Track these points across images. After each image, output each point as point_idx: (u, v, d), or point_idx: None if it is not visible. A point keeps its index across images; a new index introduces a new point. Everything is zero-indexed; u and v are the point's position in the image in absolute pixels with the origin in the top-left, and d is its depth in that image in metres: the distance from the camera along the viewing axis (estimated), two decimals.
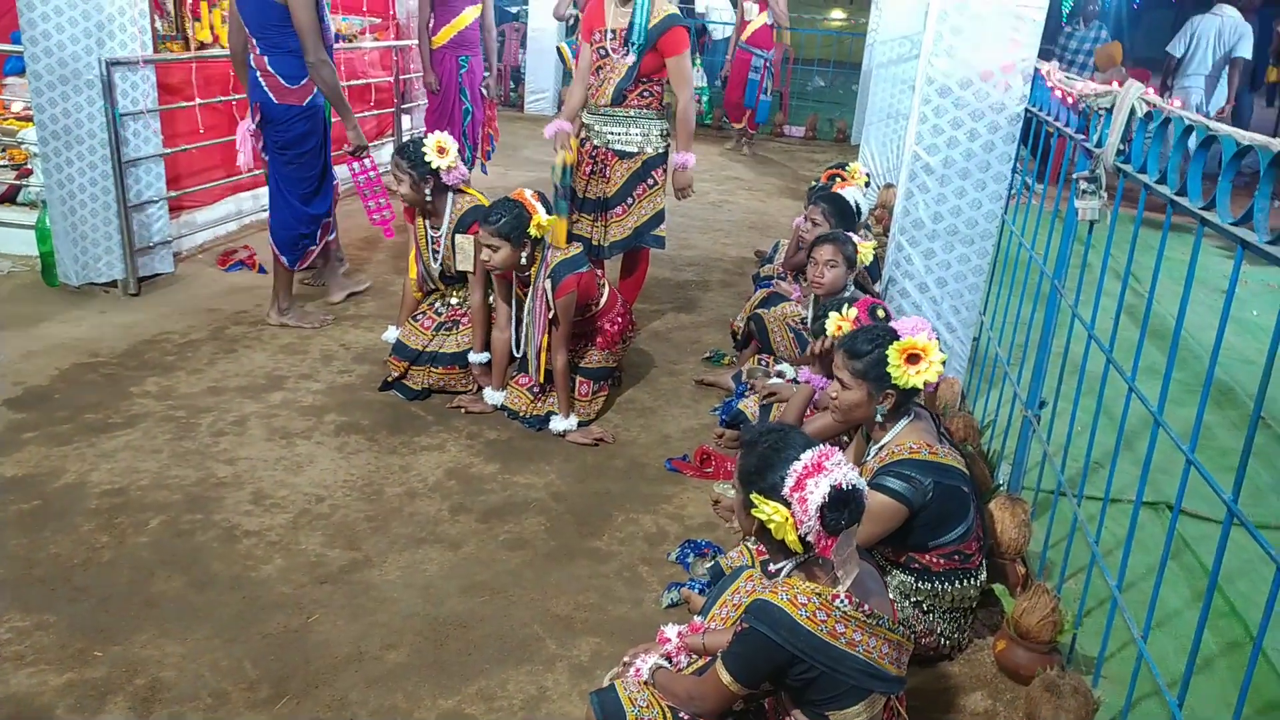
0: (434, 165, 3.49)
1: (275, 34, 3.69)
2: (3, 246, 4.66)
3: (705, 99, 10.06)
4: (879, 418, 2.30)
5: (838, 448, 1.77)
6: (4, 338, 3.84)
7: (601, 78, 3.91)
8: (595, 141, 3.99)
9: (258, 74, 3.77)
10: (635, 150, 3.96)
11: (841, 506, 1.64)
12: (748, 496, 1.73)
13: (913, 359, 2.20)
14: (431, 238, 3.66)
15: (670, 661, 1.94)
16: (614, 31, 3.83)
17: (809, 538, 1.65)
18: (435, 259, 3.68)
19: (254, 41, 3.73)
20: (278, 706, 2.09)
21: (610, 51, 3.86)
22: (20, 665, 2.15)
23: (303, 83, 3.79)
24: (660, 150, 4.01)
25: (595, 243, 4.08)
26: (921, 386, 2.23)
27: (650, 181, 4.02)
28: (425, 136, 3.55)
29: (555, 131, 3.94)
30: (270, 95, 3.78)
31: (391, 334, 3.77)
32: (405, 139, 5.25)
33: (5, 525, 2.65)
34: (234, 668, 2.19)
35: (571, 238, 4.04)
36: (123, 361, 3.73)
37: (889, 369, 2.22)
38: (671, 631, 1.99)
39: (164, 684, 2.13)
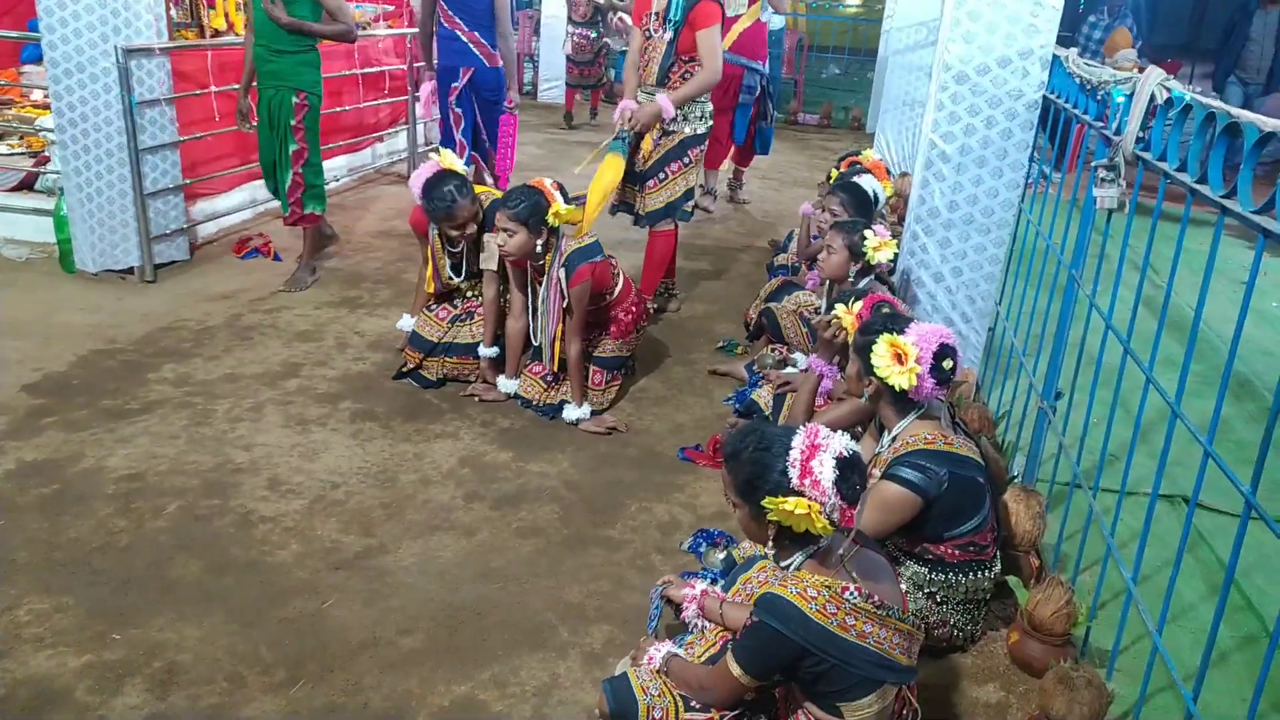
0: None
1: (486, 18, 4.92)
2: (21, 233, 4.70)
3: None
4: (867, 399, 2.33)
5: (854, 438, 1.77)
6: (23, 324, 3.87)
7: (647, 58, 4.08)
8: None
9: (470, 45, 4.93)
10: (675, 129, 4.08)
11: (851, 473, 1.65)
12: (756, 505, 1.71)
13: (899, 357, 2.21)
14: (450, 252, 3.63)
15: (683, 609, 1.96)
16: (656, 14, 4.00)
17: (834, 515, 1.65)
18: (458, 273, 3.65)
19: (460, 22, 4.88)
20: (293, 690, 2.11)
21: (653, 32, 4.04)
22: (40, 647, 2.18)
23: (497, 51, 5.01)
24: (699, 131, 4.13)
25: (638, 210, 4.27)
26: (895, 386, 2.22)
27: (686, 160, 4.14)
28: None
29: (622, 110, 4.07)
30: (484, 61, 4.98)
31: (406, 323, 3.75)
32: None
33: (25, 509, 2.68)
34: (250, 651, 2.22)
35: (624, 208, 4.34)
36: (140, 348, 3.75)
37: (872, 356, 2.24)
38: (700, 585, 2.04)
39: (181, 667, 2.15)
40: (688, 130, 4.09)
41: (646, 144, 4.12)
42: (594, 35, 8.79)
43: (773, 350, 3.65)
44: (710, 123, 4.18)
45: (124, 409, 3.27)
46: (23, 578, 2.40)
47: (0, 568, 2.43)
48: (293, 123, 4.31)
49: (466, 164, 5.07)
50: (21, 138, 5.36)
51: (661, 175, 4.14)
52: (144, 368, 3.58)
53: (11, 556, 2.48)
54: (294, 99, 4.29)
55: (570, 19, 8.81)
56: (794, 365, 3.35)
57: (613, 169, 3.95)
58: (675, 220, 4.26)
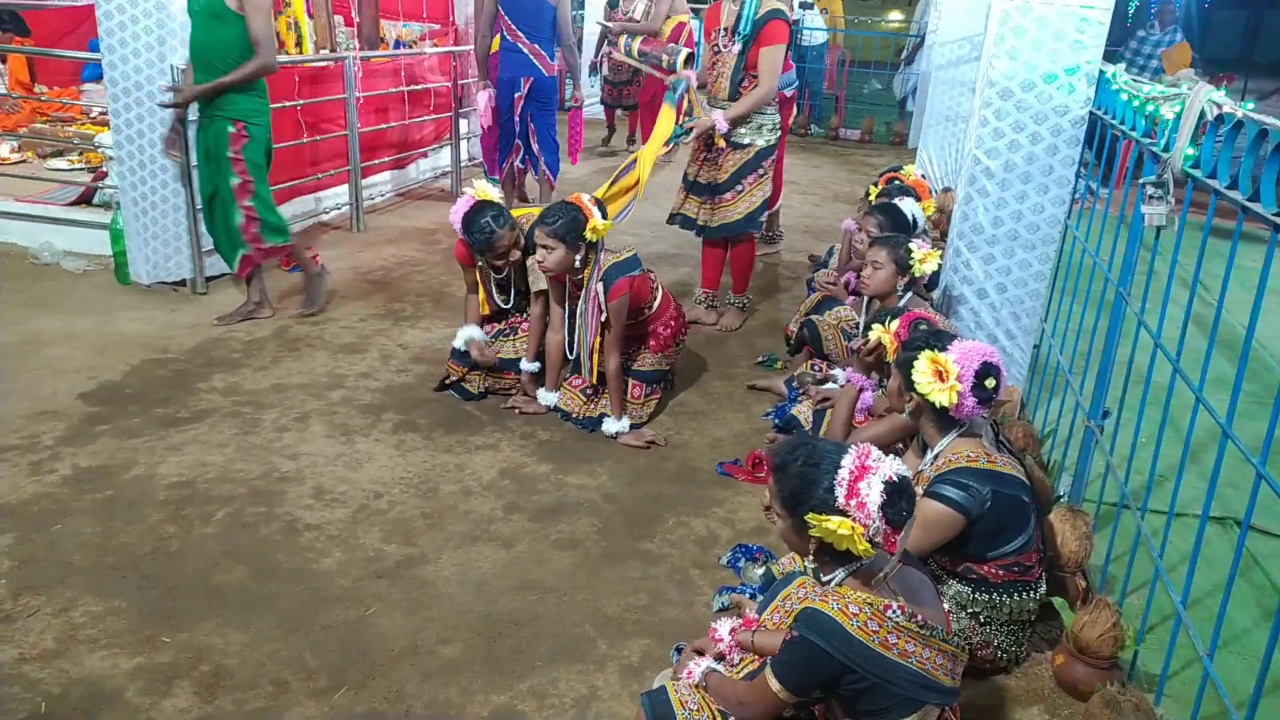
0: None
1: (548, 31, 5.41)
2: (80, 246, 4.84)
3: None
4: (908, 415, 2.31)
5: (895, 455, 1.76)
6: (80, 333, 3.99)
7: (717, 72, 4.20)
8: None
9: (530, 56, 5.39)
10: (747, 142, 4.19)
11: (899, 498, 1.63)
12: (799, 519, 1.71)
13: (940, 374, 2.20)
14: (496, 280, 3.66)
15: (722, 661, 1.94)
16: (725, 29, 4.13)
17: (878, 539, 1.65)
18: (505, 298, 3.69)
19: (523, 35, 5.35)
20: (335, 696, 2.14)
21: (722, 47, 4.15)
22: (94, 648, 2.24)
23: (554, 61, 5.53)
24: (771, 142, 4.23)
25: (701, 223, 4.36)
26: (937, 404, 2.21)
27: (760, 171, 4.24)
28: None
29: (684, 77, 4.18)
30: (543, 71, 5.45)
31: (468, 333, 3.59)
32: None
33: (80, 514, 2.76)
34: (294, 657, 2.25)
35: (681, 220, 4.43)
36: (191, 358, 3.85)
37: (913, 373, 2.23)
38: (724, 629, 1.99)
39: (227, 671, 2.20)
40: (760, 142, 4.20)
41: (724, 160, 4.21)
42: None
43: (813, 367, 3.64)
44: (779, 133, 4.30)
45: (175, 417, 3.35)
46: (78, 580, 2.47)
47: (57, 570, 2.51)
48: (229, 154, 3.97)
49: (520, 165, 5.78)
50: (81, 153, 5.55)
51: (739, 188, 4.24)
52: (195, 377, 3.67)
53: (68, 559, 2.55)
54: (230, 129, 3.95)
55: (607, 38, 8.59)
56: (834, 382, 3.34)
57: (665, 121, 4.05)
58: (754, 231, 4.43)
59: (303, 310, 4.41)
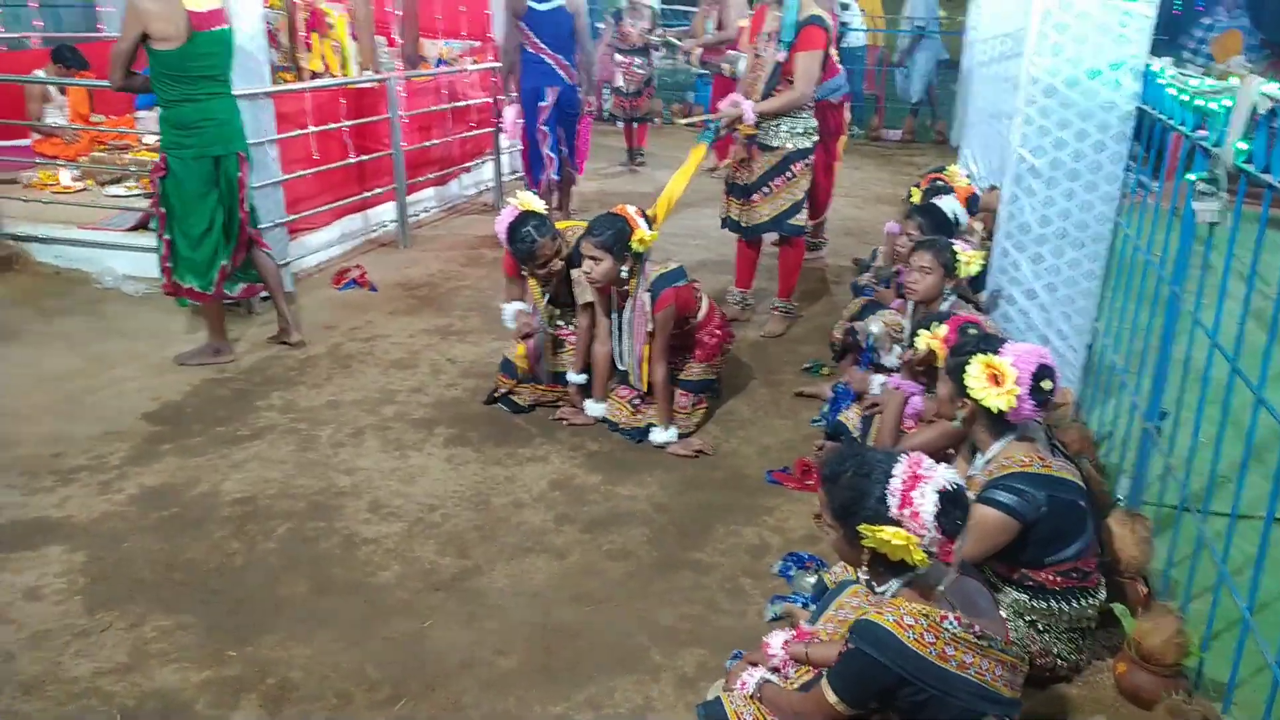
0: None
1: (568, 43, 5.64)
2: (139, 270, 4.99)
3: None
4: (959, 422, 2.29)
5: (945, 461, 1.75)
6: (141, 355, 4.12)
7: (755, 75, 4.23)
8: (747, 134, 4.24)
9: (555, 67, 5.62)
10: (777, 145, 4.22)
11: (954, 507, 1.62)
12: (852, 529, 1.70)
13: (995, 379, 2.17)
14: (545, 292, 3.70)
15: (777, 673, 1.94)
16: (769, 34, 4.17)
17: (933, 548, 1.64)
18: (557, 307, 3.73)
19: (545, 47, 5.56)
20: (397, 707, 2.19)
21: (763, 51, 4.19)
22: (165, 662, 2.31)
23: (575, 70, 5.75)
24: (802, 147, 4.25)
25: (743, 224, 4.43)
26: (993, 409, 2.18)
27: (789, 174, 4.27)
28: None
29: (727, 104, 4.21)
30: (567, 80, 5.69)
31: (513, 307, 3.67)
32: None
33: (147, 531, 2.85)
34: (356, 670, 2.31)
35: (730, 224, 4.51)
36: (248, 377, 3.95)
37: (965, 378, 2.21)
38: (776, 642, 1.99)
39: (292, 684, 2.26)
40: (790, 146, 4.22)
41: (755, 160, 4.27)
42: (643, 62, 8.12)
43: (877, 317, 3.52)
44: (816, 138, 4.31)
45: (235, 435, 3.45)
46: (147, 596, 2.56)
47: (127, 586, 2.60)
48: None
49: (556, 176, 5.94)
50: (138, 180, 5.72)
51: (766, 189, 4.29)
52: (253, 395, 3.77)
53: (138, 576, 2.64)
54: (157, 158, 3.86)
55: (618, 48, 8.02)
56: (900, 346, 3.25)
57: (694, 159, 4.14)
58: (788, 234, 4.45)
59: (279, 339, 4.21)
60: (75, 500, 3.00)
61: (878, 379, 3.31)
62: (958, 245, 3.17)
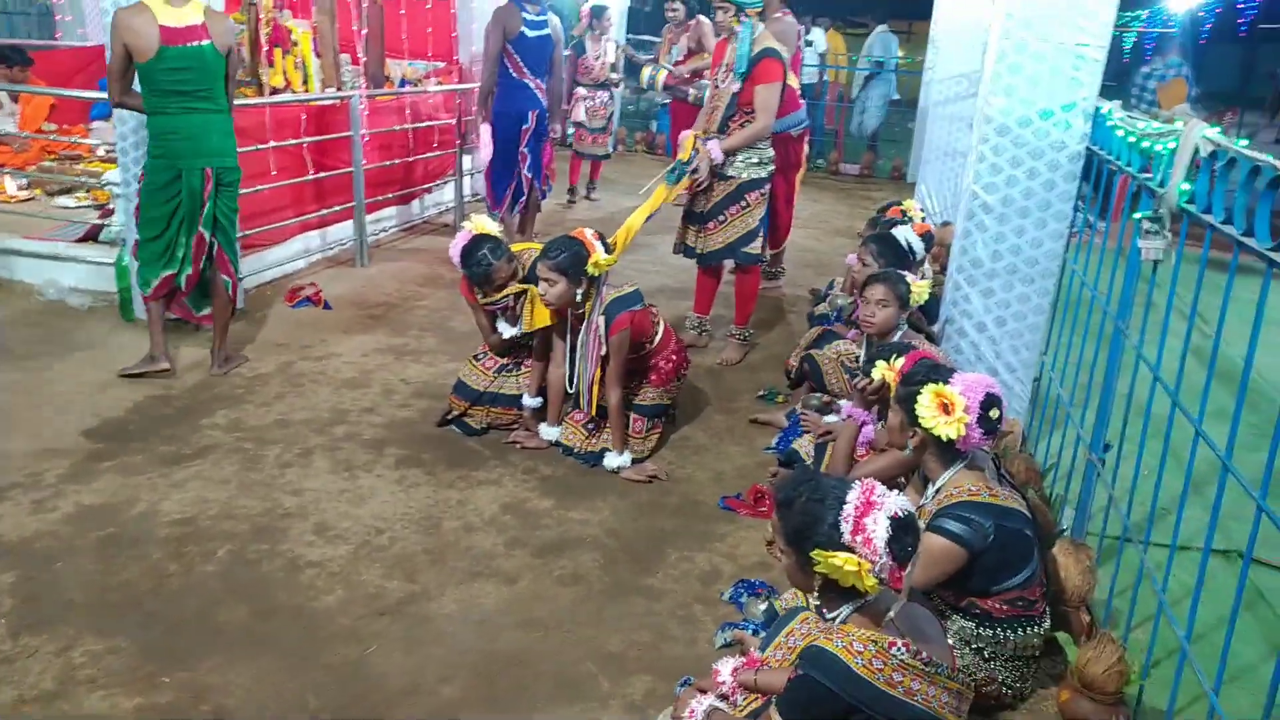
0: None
1: (548, 66, 5.89)
2: (86, 282, 4.87)
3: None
4: (910, 450, 2.31)
5: (896, 489, 1.76)
6: (84, 370, 4.01)
7: (712, 106, 4.33)
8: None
9: (536, 92, 5.86)
10: (733, 174, 4.29)
11: (905, 534, 1.63)
12: (804, 555, 1.70)
13: (945, 408, 2.20)
14: (503, 316, 3.67)
15: (726, 700, 1.93)
16: (727, 66, 4.25)
17: (884, 575, 1.64)
18: (514, 324, 3.67)
19: (528, 71, 5.78)
20: None
21: (720, 83, 4.28)
22: (94, 688, 2.22)
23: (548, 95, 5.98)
24: (757, 177, 4.31)
25: (697, 250, 4.48)
26: (943, 437, 2.21)
27: (743, 204, 4.32)
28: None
29: (683, 138, 4.39)
30: (545, 104, 5.93)
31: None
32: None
33: (82, 551, 2.75)
34: (296, 697, 2.24)
35: (683, 249, 4.56)
36: (194, 394, 3.86)
37: (917, 407, 2.23)
38: (726, 669, 1.98)
39: (228, 711, 2.18)
40: (746, 175, 4.28)
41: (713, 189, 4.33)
42: (607, 98, 7.94)
43: (816, 395, 3.64)
44: (772, 168, 4.37)
45: (178, 454, 3.36)
46: (78, 618, 2.46)
47: (57, 608, 2.50)
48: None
49: (524, 197, 6.08)
50: (88, 191, 5.60)
51: (721, 218, 4.35)
52: (198, 413, 3.68)
53: (68, 597, 2.55)
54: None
55: (578, 82, 7.80)
56: (837, 412, 3.34)
57: (658, 198, 4.16)
58: (742, 262, 4.47)
59: (216, 368, 4.08)
60: (6, 519, 2.89)
61: (843, 404, 3.34)
62: (909, 277, 3.23)
